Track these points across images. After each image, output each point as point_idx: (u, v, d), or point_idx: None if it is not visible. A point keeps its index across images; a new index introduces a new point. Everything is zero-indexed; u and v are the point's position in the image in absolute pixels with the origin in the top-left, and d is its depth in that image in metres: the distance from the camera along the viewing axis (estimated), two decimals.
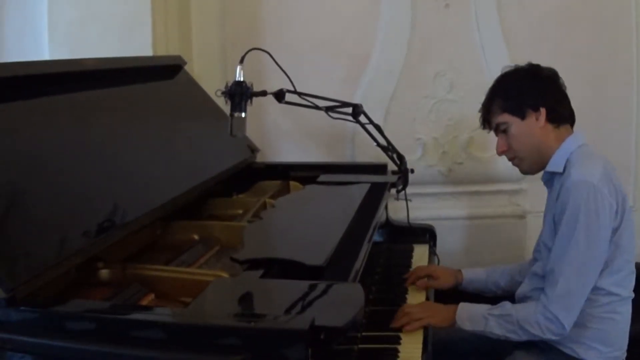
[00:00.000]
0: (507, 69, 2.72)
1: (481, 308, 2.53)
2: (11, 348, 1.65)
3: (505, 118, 2.61)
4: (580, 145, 2.57)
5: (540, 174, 2.68)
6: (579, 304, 2.40)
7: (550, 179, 2.63)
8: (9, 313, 1.64)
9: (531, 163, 2.65)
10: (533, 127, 2.58)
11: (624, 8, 3.91)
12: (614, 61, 3.95)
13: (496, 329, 2.46)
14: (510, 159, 2.70)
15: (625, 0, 3.90)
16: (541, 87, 2.62)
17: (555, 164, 2.57)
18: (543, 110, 2.57)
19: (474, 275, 2.95)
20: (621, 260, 2.47)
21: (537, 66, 2.68)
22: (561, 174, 2.53)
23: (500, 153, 2.70)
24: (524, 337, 2.44)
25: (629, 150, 4.02)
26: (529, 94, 2.59)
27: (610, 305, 2.48)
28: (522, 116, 2.58)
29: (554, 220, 2.52)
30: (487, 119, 2.70)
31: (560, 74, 3.71)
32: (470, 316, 2.52)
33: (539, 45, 3.85)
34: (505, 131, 2.63)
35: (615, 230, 2.43)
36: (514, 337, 2.45)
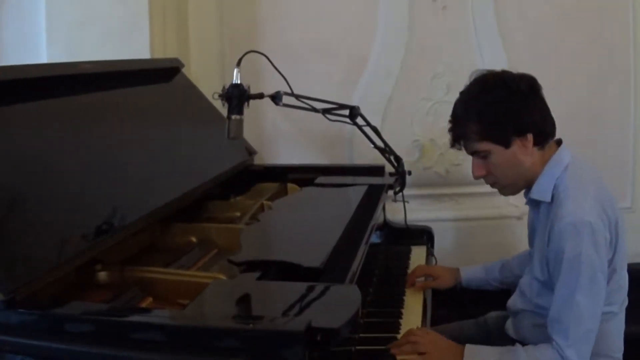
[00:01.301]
0: (478, 76, 2.47)
1: (490, 354, 2.35)
2: (10, 350, 1.65)
3: (486, 146, 2.37)
4: (566, 166, 2.38)
5: None
6: (591, 343, 2.27)
7: (535, 204, 2.49)
8: (8, 315, 1.64)
9: (514, 189, 2.49)
10: (519, 154, 2.36)
11: (622, 8, 3.92)
12: (612, 61, 3.96)
13: None
14: (489, 184, 2.50)
15: (622, 0, 3.91)
16: (525, 108, 2.35)
17: (541, 192, 2.40)
18: (530, 136, 2.34)
19: (472, 273, 2.93)
20: (615, 280, 2.39)
21: (515, 78, 2.38)
22: (549, 202, 2.38)
23: (477, 178, 2.48)
24: None
25: (626, 150, 4.03)
26: (514, 119, 2.34)
27: (603, 324, 2.34)
28: (507, 145, 2.34)
29: (546, 260, 2.36)
30: (459, 142, 2.46)
31: (558, 75, 3.75)
32: None
33: (536, 47, 3.86)
34: (484, 157, 2.40)
35: (610, 261, 2.33)
36: None
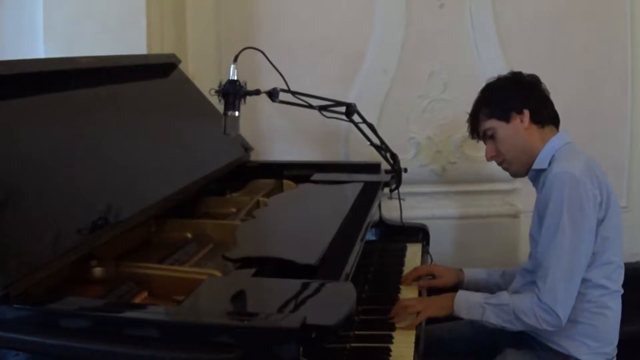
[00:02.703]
0: (490, 80, 2.81)
1: (479, 297, 2.56)
2: (4, 346, 1.65)
3: (491, 124, 2.69)
4: (566, 142, 2.63)
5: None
6: (571, 294, 2.42)
7: (536, 176, 2.68)
8: (3, 310, 1.63)
9: (519, 164, 2.71)
10: (518, 129, 2.65)
11: (619, 6, 3.92)
12: (609, 60, 3.96)
13: (493, 318, 2.48)
14: (499, 163, 2.78)
15: None
16: (523, 91, 2.69)
17: (540, 162, 2.63)
18: (527, 112, 2.64)
19: (475, 275, 2.97)
20: (610, 253, 2.51)
21: (519, 73, 2.76)
22: (546, 170, 2.58)
23: (489, 159, 2.78)
24: (520, 327, 2.46)
25: (623, 149, 4.04)
26: (512, 98, 2.67)
27: (601, 300, 2.51)
28: (507, 119, 2.66)
29: (538, 213, 2.56)
30: (475, 128, 2.79)
31: (555, 73, 3.74)
32: (468, 304, 2.54)
33: (533, 45, 3.87)
34: (492, 137, 2.71)
35: (600, 222, 2.47)
36: (509, 326, 2.47)
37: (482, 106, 2.74)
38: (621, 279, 2.60)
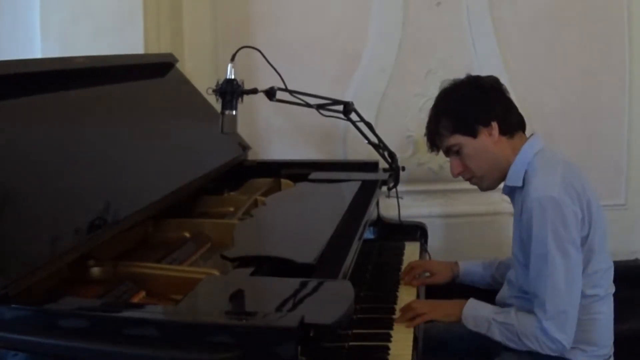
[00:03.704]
0: (446, 84, 2.64)
1: (487, 310, 2.50)
2: (3, 346, 1.65)
3: (456, 139, 2.53)
4: (537, 152, 2.50)
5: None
6: (573, 319, 2.35)
7: (511, 192, 2.58)
8: (1, 311, 1.63)
9: (491, 180, 2.59)
10: (487, 143, 2.50)
11: (616, 5, 3.93)
12: (606, 58, 3.96)
13: (497, 335, 2.43)
14: (468, 179, 2.63)
15: None
16: (487, 100, 2.54)
17: (513, 178, 2.50)
18: (495, 124, 2.49)
19: (470, 267, 2.95)
20: (595, 262, 2.44)
21: (477, 77, 2.62)
22: (521, 187, 2.47)
23: (456, 175, 2.62)
24: (523, 348, 2.39)
25: (620, 147, 4.03)
26: (477, 110, 2.51)
27: (590, 307, 2.45)
28: (474, 135, 2.50)
29: (520, 235, 2.47)
30: (435, 143, 2.62)
31: (552, 72, 3.75)
32: (476, 317, 2.49)
33: (530, 43, 3.87)
34: (458, 152, 2.55)
35: (585, 238, 2.39)
36: (513, 345, 2.41)
37: (441, 118, 2.57)
38: (610, 279, 2.54)
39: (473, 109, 2.52)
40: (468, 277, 2.94)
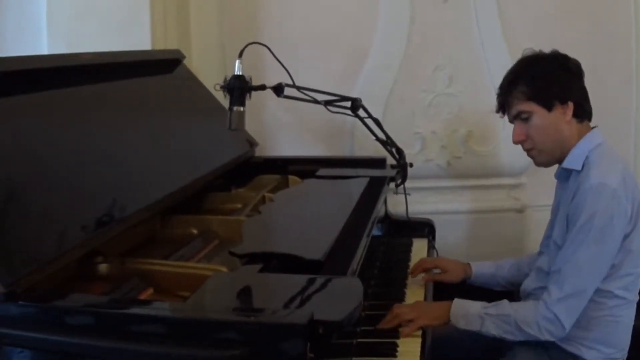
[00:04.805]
0: (528, 52, 2.65)
1: (477, 306, 2.48)
2: (10, 343, 1.65)
3: (529, 107, 2.51)
4: (599, 143, 2.50)
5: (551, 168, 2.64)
6: (581, 306, 2.37)
7: (565, 176, 2.57)
8: (8, 308, 1.64)
9: (549, 156, 2.57)
10: (559, 120, 2.50)
11: (623, 3, 3.91)
12: (613, 56, 3.94)
13: (492, 329, 2.42)
14: (527, 150, 2.61)
15: None
16: (570, 80, 2.54)
17: (573, 161, 2.50)
18: (571, 105, 2.49)
19: (482, 269, 2.92)
20: (630, 265, 2.43)
21: (565, 56, 2.59)
22: (578, 172, 2.47)
23: (517, 142, 2.59)
24: (520, 338, 2.40)
25: (628, 144, 4.02)
26: (558, 86, 2.50)
27: (616, 309, 2.45)
28: (549, 108, 2.49)
29: (567, 219, 2.46)
30: (505, 104, 2.59)
31: None
32: (466, 314, 2.47)
33: (538, 40, 3.81)
34: (526, 120, 2.53)
35: (627, 236, 2.39)
36: (510, 337, 2.41)
37: (519, 82, 2.54)
38: (638, 288, 2.54)
39: (554, 83, 2.51)
40: (479, 278, 2.92)
